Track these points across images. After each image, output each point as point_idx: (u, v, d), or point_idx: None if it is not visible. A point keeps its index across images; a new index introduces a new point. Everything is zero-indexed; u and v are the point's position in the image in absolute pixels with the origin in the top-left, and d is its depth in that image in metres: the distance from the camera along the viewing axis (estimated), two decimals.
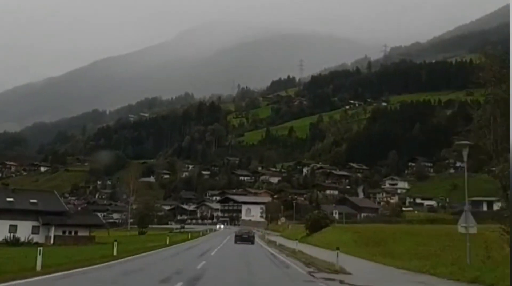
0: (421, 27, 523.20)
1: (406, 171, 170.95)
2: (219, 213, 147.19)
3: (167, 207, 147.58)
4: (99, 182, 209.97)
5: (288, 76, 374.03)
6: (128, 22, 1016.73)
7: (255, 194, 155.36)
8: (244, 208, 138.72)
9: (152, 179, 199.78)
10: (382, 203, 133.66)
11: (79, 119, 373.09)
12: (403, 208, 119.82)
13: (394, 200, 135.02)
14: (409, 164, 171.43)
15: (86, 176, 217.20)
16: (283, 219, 78.67)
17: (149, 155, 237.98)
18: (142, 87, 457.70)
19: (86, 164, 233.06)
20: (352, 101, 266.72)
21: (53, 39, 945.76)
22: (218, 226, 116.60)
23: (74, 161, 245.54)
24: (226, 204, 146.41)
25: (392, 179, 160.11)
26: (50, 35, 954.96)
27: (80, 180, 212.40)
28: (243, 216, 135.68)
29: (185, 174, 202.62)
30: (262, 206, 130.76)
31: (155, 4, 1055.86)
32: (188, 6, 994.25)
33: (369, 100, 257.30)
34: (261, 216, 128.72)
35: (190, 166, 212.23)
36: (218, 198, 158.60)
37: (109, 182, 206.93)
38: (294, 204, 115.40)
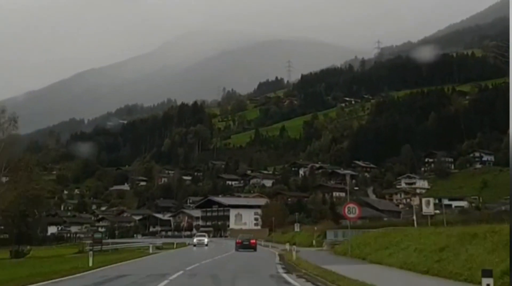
0: (411, 28, 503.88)
1: (423, 168, 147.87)
2: (200, 222, 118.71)
3: (138, 217, 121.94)
4: (65, 192, 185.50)
5: (276, 78, 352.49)
6: (110, 33, 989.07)
7: (246, 197, 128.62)
8: (232, 213, 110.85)
9: (126, 186, 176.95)
10: (400, 206, 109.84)
11: (55, 129, 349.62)
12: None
13: (415, 201, 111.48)
14: (426, 160, 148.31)
15: (52, 185, 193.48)
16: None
17: (126, 162, 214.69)
18: (124, 97, 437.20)
19: (53, 172, 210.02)
20: (347, 99, 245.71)
21: (33, 52, 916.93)
22: (195, 240, 63.40)
23: (40, 170, 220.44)
24: (209, 209, 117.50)
25: (409, 177, 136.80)
26: (30, 48, 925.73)
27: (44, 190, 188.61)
28: (232, 224, 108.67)
29: (164, 180, 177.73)
30: (257, 210, 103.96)
31: (137, 15, 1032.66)
32: (171, 17, 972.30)
33: (366, 96, 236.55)
34: (256, 224, 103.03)
35: (170, 172, 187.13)
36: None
37: (77, 191, 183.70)
38: (289, 205, 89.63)
